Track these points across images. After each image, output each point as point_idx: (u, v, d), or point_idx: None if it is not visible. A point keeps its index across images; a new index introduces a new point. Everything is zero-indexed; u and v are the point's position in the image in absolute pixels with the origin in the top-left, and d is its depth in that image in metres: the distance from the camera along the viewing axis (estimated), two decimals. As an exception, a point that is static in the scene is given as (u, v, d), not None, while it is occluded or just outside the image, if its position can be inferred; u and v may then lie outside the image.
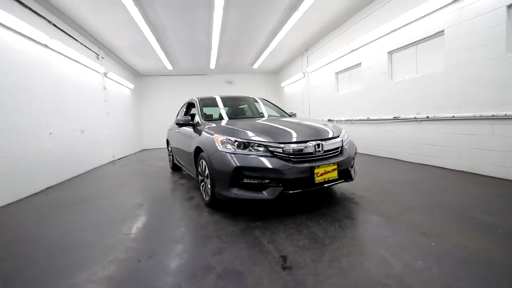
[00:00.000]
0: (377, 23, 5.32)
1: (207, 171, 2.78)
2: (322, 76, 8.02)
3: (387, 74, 5.31)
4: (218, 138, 2.60)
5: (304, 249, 1.91)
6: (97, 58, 6.89)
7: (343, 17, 6.27)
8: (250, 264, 1.75)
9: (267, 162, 2.32)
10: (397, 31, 4.92)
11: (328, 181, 2.49)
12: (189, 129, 3.71)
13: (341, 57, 6.84)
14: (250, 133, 2.57)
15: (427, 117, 4.35)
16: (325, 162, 2.47)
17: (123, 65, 9.15)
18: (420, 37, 4.46)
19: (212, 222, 2.51)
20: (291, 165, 2.34)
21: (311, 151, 2.47)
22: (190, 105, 4.60)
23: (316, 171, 2.37)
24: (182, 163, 4.24)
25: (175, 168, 5.44)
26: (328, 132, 2.74)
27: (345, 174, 2.64)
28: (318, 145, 2.51)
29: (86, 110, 6.18)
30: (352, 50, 6.30)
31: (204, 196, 3.01)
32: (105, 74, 7.34)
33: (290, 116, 4.10)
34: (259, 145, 2.42)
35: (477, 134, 3.62)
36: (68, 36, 5.44)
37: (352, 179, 2.73)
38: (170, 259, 1.86)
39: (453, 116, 3.91)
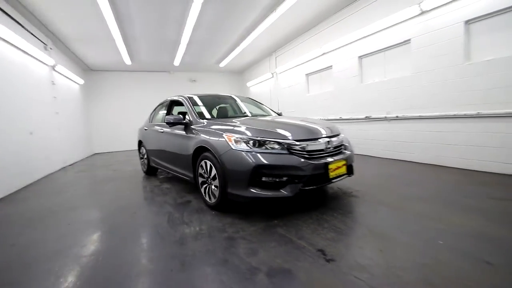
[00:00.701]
0: (348, 30, 5.81)
1: (213, 172, 2.70)
2: (292, 77, 8.38)
3: (358, 77, 5.84)
4: (231, 136, 2.56)
5: (335, 241, 2.02)
6: (45, 49, 6.01)
7: (315, 21, 6.67)
8: (292, 260, 1.79)
9: (286, 160, 2.38)
10: (367, 38, 5.46)
11: (338, 176, 2.66)
12: (178, 129, 3.54)
13: (312, 59, 7.25)
14: (263, 131, 2.59)
15: (397, 116, 4.94)
16: (336, 158, 2.64)
17: (72, 58, 8.15)
18: (388, 44, 5.03)
19: (228, 224, 2.45)
20: (309, 161, 2.44)
21: (323, 147, 2.61)
22: (173, 104, 4.37)
23: (330, 166, 2.52)
24: (167, 166, 4.00)
25: (151, 171, 5.08)
26: (333, 129, 2.93)
27: (349, 169, 2.85)
28: (329, 141, 2.67)
29: (33, 108, 5.34)
30: (324, 53, 6.75)
31: (207, 198, 2.91)
32: (53, 67, 6.44)
33: (279, 114, 4.21)
34: (276, 143, 2.46)
35: (441, 131, 4.25)
36: (11, 20, 4.64)
37: (353, 174, 2.96)
38: (209, 264, 1.78)
39: (420, 116, 4.52)
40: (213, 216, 2.70)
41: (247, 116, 3.89)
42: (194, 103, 3.76)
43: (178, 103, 4.21)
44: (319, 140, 2.63)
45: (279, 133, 2.56)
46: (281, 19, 6.14)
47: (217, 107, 4.26)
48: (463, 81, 3.89)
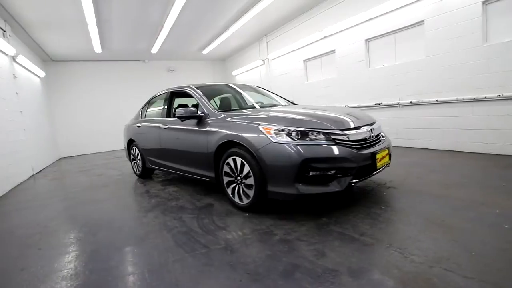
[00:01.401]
0: (353, 11, 5.89)
1: (246, 170, 2.63)
2: (288, 64, 8.38)
3: (365, 62, 5.97)
4: (270, 128, 2.49)
5: (399, 235, 2.06)
6: (3, 36, 5.45)
7: (314, 1, 6.69)
8: (368, 259, 1.79)
9: (337, 151, 2.37)
10: (375, 19, 5.57)
11: (382, 167, 2.71)
12: (189, 124, 3.40)
13: (311, 43, 7.28)
14: (304, 121, 2.55)
15: (411, 102, 5.13)
16: (380, 147, 2.68)
17: (31, 46, 7.50)
18: (399, 26, 5.18)
19: (272, 226, 2.40)
20: (357, 152, 2.45)
21: (367, 136, 2.64)
22: (174, 96, 4.17)
23: (377, 156, 2.55)
24: (174, 166, 3.83)
25: (146, 174, 4.86)
26: (369, 117, 2.96)
27: (389, 158, 2.92)
28: (371, 130, 2.70)
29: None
30: (325, 37, 6.80)
31: (237, 199, 2.84)
32: (14, 58, 5.88)
33: (292, 103, 4.19)
34: (321, 133, 2.44)
35: (459, 116, 4.48)
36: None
37: (390, 163, 3.03)
38: (279, 271, 1.73)
39: (436, 100, 4.73)
40: (248, 218, 2.64)
41: (259, 106, 3.78)
42: (206, 94, 3.62)
43: (181, 94, 4.05)
44: (362, 128, 2.65)
45: (322, 122, 2.54)
46: (271, 1, 6.05)
47: (219, 98, 4.12)
48: (481, 64, 4.11)
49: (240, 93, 4.17)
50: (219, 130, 2.95)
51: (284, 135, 2.43)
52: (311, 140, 2.41)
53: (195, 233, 2.41)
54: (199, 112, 3.31)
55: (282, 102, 4.14)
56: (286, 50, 8.18)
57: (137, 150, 4.82)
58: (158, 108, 4.60)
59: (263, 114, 2.87)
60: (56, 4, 5.23)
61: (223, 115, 3.13)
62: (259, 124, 2.59)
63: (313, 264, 1.78)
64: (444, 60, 4.56)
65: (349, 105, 6.41)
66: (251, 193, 2.66)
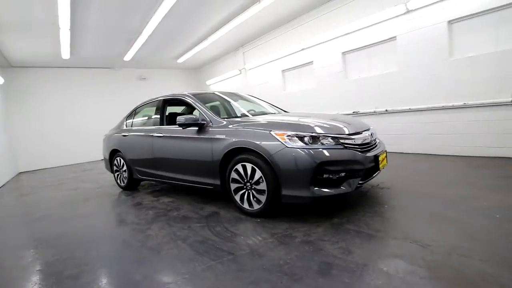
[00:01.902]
0: (330, 26, 6.29)
1: (257, 175, 2.67)
2: (266, 74, 8.60)
3: (342, 73, 6.37)
4: (284, 133, 2.57)
5: (410, 229, 2.24)
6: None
7: (292, 15, 7.01)
8: (391, 252, 1.93)
9: (346, 154, 2.52)
10: (351, 34, 6.01)
11: (383, 168, 2.92)
12: (188, 132, 3.36)
13: (289, 54, 7.58)
14: (314, 126, 2.67)
15: (386, 110, 5.57)
16: (379, 150, 2.90)
17: (-12, 50, 6.80)
18: (374, 41, 5.65)
19: (288, 229, 2.46)
20: (364, 155, 2.62)
21: (369, 140, 2.84)
22: (166, 104, 4.08)
23: (379, 159, 2.75)
24: (169, 176, 3.72)
25: (132, 185, 4.62)
26: (365, 123, 3.19)
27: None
28: (371, 134, 2.91)
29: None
30: (303, 49, 7.14)
31: (246, 205, 2.84)
32: (-28, 61, 5.29)
33: (285, 111, 4.33)
34: (330, 137, 2.57)
35: (430, 122, 4.97)
36: None
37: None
38: (315, 271, 1.78)
39: (409, 108, 5.20)
40: (261, 223, 2.66)
41: (251, 114, 3.78)
42: (204, 101, 3.61)
43: (175, 102, 3.99)
44: (363, 133, 2.85)
45: (331, 127, 2.68)
46: (255, 12, 6.25)
47: (209, 106, 4.09)
48: (448, 76, 4.65)
49: (229, 102, 4.20)
50: (225, 137, 2.96)
51: (297, 140, 2.53)
52: (323, 144, 2.54)
53: (212, 241, 2.38)
54: (199, 120, 3.29)
55: (272, 110, 4.24)
56: (264, 60, 8.41)
57: (122, 161, 4.58)
58: (148, 117, 4.45)
59: (270, 121, 2.95)
60: (30, 5, 4.86)
61: (225, 122, 3.15)
62: (271, 130, 2.66)
63: (344, 261, 1.87)
64: (415, 72, 5.06)
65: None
66: (262, 198, 2.69)
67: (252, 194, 2.78)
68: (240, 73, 9.68)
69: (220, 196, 3.64)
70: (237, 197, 2.93)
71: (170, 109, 4.21)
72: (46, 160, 9.15)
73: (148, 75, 11.22)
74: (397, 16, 5.15)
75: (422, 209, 2.64)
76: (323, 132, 2.59)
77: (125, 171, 4.56)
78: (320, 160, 2.41)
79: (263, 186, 2.66)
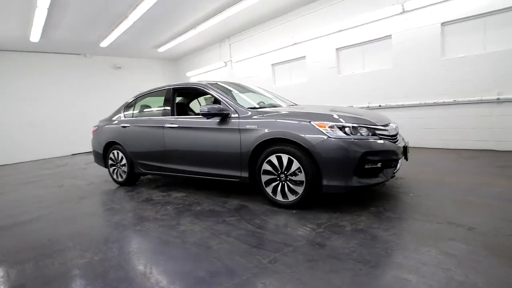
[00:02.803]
0: (325, 21, 6.41)
1: (295, 166, 2.64)
2: (254, 67, 8.53)
3: (335, 69, 6.55)
4: (325, 124, 2.57)
5: (444, 212, 2.39)
6: None
7: (285, 9, 7.01)
8: (444, 235, 2.04)
9: (385, 145, 2.60)
10: (345, 31, 6.18)
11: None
12: (208, 123, 3.21)
13: (280, 48, 7.58)
14: (351, 117, 2.71)
15: (379, 105, 5.85)
16: (404, 141, 3.04)
17: None
18: (369, 39, 5.88)
19: (333, 219, 2.48)
20: (397, 145, 2.73)
21: (395, 132, 2.96)
22: (176, 93, 3.85)
23: (407, 150, 2.89)
24: (184, 169, 3.53)
25: (131, 181, 4.31)
26: (386, 116, 3.32)
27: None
28: (396, 127, 3.04)
29: None
30: (295, 43, 7.19)
31: (279, 197, 2.80)
32: None
33: (296, 105, 4.33)
34: (367, 128, 2.64)
35: (422, 117, 5.33)
36: None
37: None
38: (395, 256, 1.82)
39: (402, 104, 5.52)
40: (299, 214, 2.64)
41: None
42: (224, 91, 3.47)
43: (187, 91, 3.78)
44: (390, 125, 2.96)
45: (366, 119, 2.75)
46: (248, 5, 6.16)
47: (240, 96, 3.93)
48: (440, 74, 5.01)
49: (238, 94, 4.08)
50: (257, 128, 2.88)
51: (339, 131, 2.55)
52: (362, 135, 2.59)
53: (259, 234, 2.32)
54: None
55: (281, 103, 4.20)
56: (253, 53, 8.32)
57: (120, 154, 4.25)
58: (155, 107, 4.17)
59: (305, 112, 2.93)
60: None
61: (250, 113, 3.07)
62: (310, 121, 2.64)
63: (405, 246, 1.95)
64: (409, 69, 5.37)
65: (320, 108, 6.91)
66: (299, 189, 2.68)
67: (287, 185, 2.75)
68: (226, 65, 9.48)
69: (238, 189, 3.56)
70: (269, 189, 2.88)
71: (178, 99, 3.99)
72: (8, 155, 8.15)
73: (123, 64, 10.50)
74: (393, 15, 5.40)
75: (445, 195, 2.82)
76: (362, 123, 2.64)
77: (124, 165, 4.24)
78: (364, 150, 2.46)
79: (301, 177, 2.64)
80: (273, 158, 2.78)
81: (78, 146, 9.24)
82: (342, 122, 2.60)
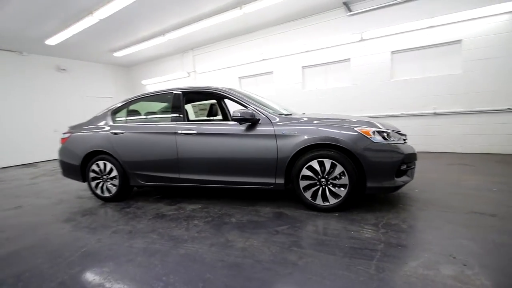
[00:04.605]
0: (292, 42, 6.50)
1: (338, 170, 2.44)
2: (220, 79, 8.03)
3: (301, 84, 6.67)
4: (369, 130, 2.44)
5: (464, 203, 2.54)
6: None
7: (254, 27, 6.84)
8: (484, 225, 2.13)
9: (412, 148, 2.63)
10: (311, 52, 6.38)
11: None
12: (234, 130, 2.76)
13: (249, 63, 7.34)
14: (381, 124, 2.67)
15: (341, 116, 6.17)
16: None
17: None
18: (331, 60, 6.19)
19: (380, 218, 2.35)
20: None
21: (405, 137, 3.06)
22: (184, 97, 3.20)
23: (415, 153, 3.01)
24: (205, 179, 2.92)
25: (123, 196, 3.38)
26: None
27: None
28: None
29: None
30: (264, 59, 7.07)
31: (319, 202, 2.55)
32: None
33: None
34: (396, 133, 2.64)
35: (376, 126, 5.82)
36: None
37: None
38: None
39: (359, 116, 5.93)
40: (343, 217, 2.43)
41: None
42: (246, 96, 3.04)
43: (198, 97, 3.18)
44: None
45: (390, 124, 2.75)
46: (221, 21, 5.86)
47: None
48: (390, 92, 5.59)
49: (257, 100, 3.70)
50: (297, 133, 2.58)
51: (379, 136, 2.47)
52: (394, 139, 2.57)
53: (330, 241, 2.01)
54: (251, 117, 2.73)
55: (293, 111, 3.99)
56: (219, 66, 7.85)
57: (108, 165, 3.29)
58: (157, 112, 3.38)
59: (341, 118, 2.75)
60: None
61: (278, 119, 2.75)
62: (354, 127, 2.49)
63: (472, 234, 1.94)
64: (365, 88, 5.84)
65: (287, 118, 6.91)
66: (342, 192, 2.48)
67: (329, 189, 2.52)
68: (189, 75, 8.69)
69: (253, 196, 3.15)
70: (307, 194, 2.59)
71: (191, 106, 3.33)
72: None
73: (69, 67, 8.55)
74: (353, 42, 5.81)
75: (444, 190, 3.04)
76: (395, 129, 2.63)
77: (114, 178, 3.29)
78: (404, 153, 2.44)
79: (344, 180, 2.45)
80: (314, 164, 2.52)
81: (11, 158, 7.01)
82: (381, 128, 2.53)
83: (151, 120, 3.35)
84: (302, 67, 6.60)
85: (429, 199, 2.76)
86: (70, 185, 4.40)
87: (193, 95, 3.27)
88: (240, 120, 2.67)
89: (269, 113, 2.80)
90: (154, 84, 9.69)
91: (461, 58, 4.90)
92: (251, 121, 2.70)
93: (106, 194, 3.38)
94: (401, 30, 5.25)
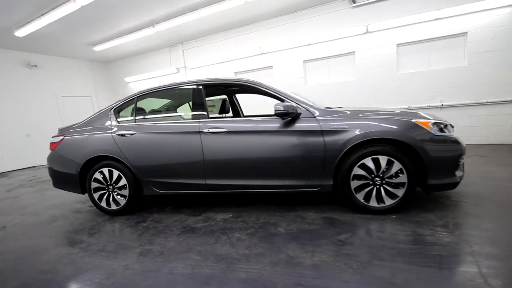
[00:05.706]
0: (293, 35, 6.23)
1: (395, 168, 2.20)
2: (214, 75, 7.55)
3: (303, 79, 6.43)
4: (428, 122, 2.22)
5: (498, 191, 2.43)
6: None
7: (253, 19, 6.47)
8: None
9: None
10: (313, 45, 6.15)
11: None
12: (267, 127, 2.44)
13: (246, 57, 6.95)
14: (428, 115, 2.46)
15: (346, 111, 6.02)
16: None
17: None
18: (334, 53, 6.00)
19: (445, 217, 2.15)
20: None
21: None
22: (205, 90, 2.78)
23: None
24: (238, 184, 2.54)
25: (132, 207, 2.88)
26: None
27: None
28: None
29: None
30: (262, 53, 6.72)
31: (373, 204, 2.29)
32: None
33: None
34: (450, 126, 2.45)
35: (382, 120, 5.74)
36: None
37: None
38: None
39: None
40: (403, 219, 2.20)
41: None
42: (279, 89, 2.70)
43: (214, 89, 2.79)
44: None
45: (434, 115, 2.56)
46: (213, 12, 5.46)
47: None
48: (395, 85, 5.52)
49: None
50: (348, 129, 2.29)
51: (436, 128, 2.26)
52: (449, 132, 2.38)
53: (412, 249, 1.75)
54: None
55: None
56: (213, 60, 7.38)
57: (115, 173, 2.79)
58: (172, 108, 2.93)
59: (391, 111, 2.50)
60: None
61: (318, 112, 2.46)
62: (411, 119, 2.25)
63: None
64: (370, 82, 5.73)
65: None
66: (399, 192, 2.25)
67: (384, 189, 2.27)
68: (178, 71, 8.10)
69: (294, 200, 2.83)
70: (360, 196, 2.32)
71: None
72: None
73: (40, 63, 7.57)
74: (358, 34, 5.66)
75: (483, 181, 2.93)
76: (443, 121, 2.44)
77: (123, 187, 2.80)
78: (464, 145, 2.26)
79: (401, 178, 2.22)
80: (367, 161, 2.25)
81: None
82: (439, 120, 2.32)
83: (166, 119, 2.89)
84: (304, 61, 6.35)
85: (476, 193, 2.62)
86: (59, 197, 3.77)
87: (213, 89, 2.85)
88: (283, 115, 2.33)
89: (310, 106, 2.49)
90: (139, 81, 8.94)
91: (466, 50, 4.93)
92: (292, 116, 2.37)
93: (114, 207, 2.87)
94: (407, 22, 5.18)
